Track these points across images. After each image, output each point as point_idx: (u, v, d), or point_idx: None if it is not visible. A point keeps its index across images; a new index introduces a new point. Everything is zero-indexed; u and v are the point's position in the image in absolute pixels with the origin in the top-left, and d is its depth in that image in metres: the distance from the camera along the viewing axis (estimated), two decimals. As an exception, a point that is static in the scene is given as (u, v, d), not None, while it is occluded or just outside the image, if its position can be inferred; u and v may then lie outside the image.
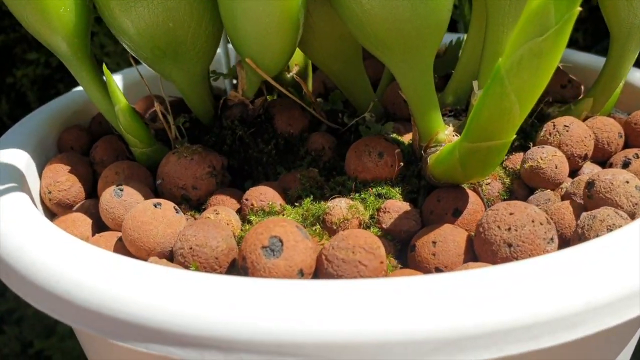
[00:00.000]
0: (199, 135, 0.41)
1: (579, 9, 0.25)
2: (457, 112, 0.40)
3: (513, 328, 0.22)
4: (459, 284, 0.23)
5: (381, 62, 0.34)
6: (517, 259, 0.29)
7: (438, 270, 0.30)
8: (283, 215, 0.34)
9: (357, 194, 0.35)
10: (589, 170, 0.38)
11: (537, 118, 0.41)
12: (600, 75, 0.40)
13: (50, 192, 0.39)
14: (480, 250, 0.30)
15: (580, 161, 0.37)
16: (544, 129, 0.38)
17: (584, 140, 0.37)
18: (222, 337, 0.23)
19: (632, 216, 0.31)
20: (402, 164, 0.36)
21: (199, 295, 0.23)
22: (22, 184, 0.36)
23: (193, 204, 0.37)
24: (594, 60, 0.51)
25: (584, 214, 0.31)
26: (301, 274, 0.29)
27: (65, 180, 0.39)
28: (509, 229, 0.29)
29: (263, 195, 0.35)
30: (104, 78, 0.37)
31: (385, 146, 0.36)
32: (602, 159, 0.40)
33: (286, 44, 0.33)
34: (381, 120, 0.42)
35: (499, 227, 0.29)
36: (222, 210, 0.34)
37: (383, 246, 0.30)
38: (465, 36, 0.41)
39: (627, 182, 0.32)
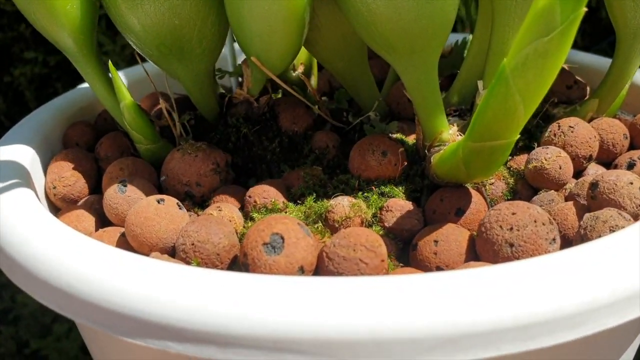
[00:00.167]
0: (204, 133, 0.41)
1: (585, 9, 0.25)
2: (462, 111, 0.40)
3: (511, 327, 0.22)
4: (457, 283, 0.23)
5: (386, 61, 0.34)
6: (518, 259, 0.29)
7: (439, 269, 0.30)
8: (286, 212, 0.34)
9: (361, 193, 0.36)
10: (594, 171, 0.38)
11: (543, 119, 0.41)
12: (606, 76, 0.40)
13: (55, 188, 0.39)
14: (482, 250, 0.30)
15: (584, 162, 0.37)
16: (549, 130, 0.38)
17: (588, 142, 0.37)
18: (218, 332, 0.23)
19: (636, 217, 0.31)
20: (405, 163, 0.36)
21: (196, 291, 0.24)
22: (27, 180, 0.36)
23: (197, 201, 0.37)
24: (600, 61, 0.51)
25: (587, 214, 0.31)
26: (302, 271, 0.29)
27: (70, 176, 0.40)
28: (511, 228, 0.29)
29: (266, 192, 0.35)
30: (110, 75, 0.37)
31: (389, 145, 0.36)
32: (607, 160, 0.39)
33: (292, 43, 0.33)
34: (386, 120, 0.42)
35: (501, 226, 0.29)
36: (225, 207, 0.34)
37: (384, 244, 0.30)
38: (470, 36, 0.41)
39: (631, 183, 0.32)
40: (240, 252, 0.30)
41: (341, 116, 0.44)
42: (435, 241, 0.31)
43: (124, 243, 0.34)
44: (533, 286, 0.23)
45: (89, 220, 0.36)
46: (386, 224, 0.34)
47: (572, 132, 0.37)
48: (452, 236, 0.31)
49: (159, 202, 0.33)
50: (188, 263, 0.31)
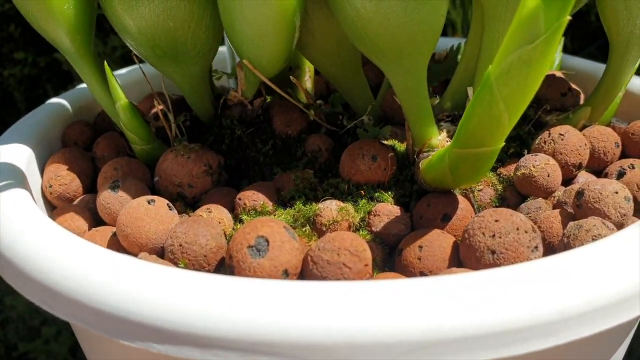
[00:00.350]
0: (200, 134, 0.42)
1: (569, 17, 0.25)
2: (455, 117, 0.40)
3: (483, 335, 0.22)
4: (432, 290, 0.23)
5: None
6: (500, 265, 0.29)
7: (422, 274, 0.31)
8: (275, 215, 0.35)
9: (350, 197, 0.36)
10: (584, 179, 0.38)
11: (536, 126, 0.41)
12: (598, 84, 0.40)
13: (51, 186, 0.40)
14: (465, 256, 0.30)
15: (574, 170, 0.37)
16: (540, 137, 0.38)
17: (578, 150, 0.37)
18: (198, 334, 0.23)
19: (620, 227, 0.31)
20: (395, 167, 0.36)
21: (177, 292, 0.24)
22: (22, 178, 0.36)
23: (189, 202, 0.38)
24: (596, 67, 0.51)
25: (571, 223, 0.31)
26: (286, 274, 0.29)
27: (66, 175, 0.40)
28: (493, 235, 0.29)
29: (256, 195, 0.35)
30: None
31: (379, 150, 0.36)
32: (599, 168, 0.39)
33: (282, 47, 0.34)
34: (380, 124, 0.42)
35: (483, 233, 0.29)
36: (215, 209, 0.34)
37: (369, 249, 0.31)
38: (464, 41, 0.42)
39: (617, 192, 0.32)
40: (226, 254, 0.30)
41: (337, 120, 0.44)
42: (420, 247, 0.31)
43: (115, 242, 0.34)
44: (507, 294, 0.23)
45: (83, 219, 0.37)
46: (374, 229, 0.34)
47: (562, 139, 0.37)
48: (437, 242, 0.31)
49: (149, 202, 0.33)
50: (176, 264, 0.31)
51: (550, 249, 0.32)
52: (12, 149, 0.39)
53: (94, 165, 0.42)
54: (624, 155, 0.41)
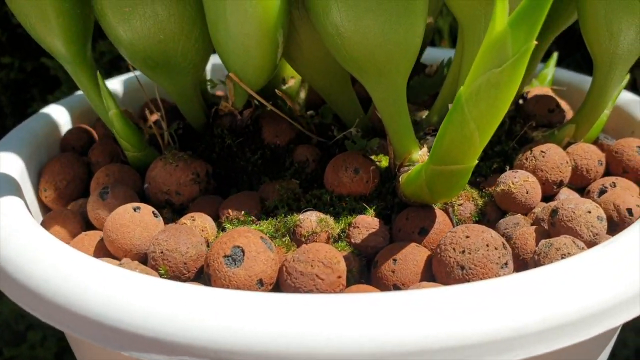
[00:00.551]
0: (192, 142, 0.43)
1: (535, 42, 0.26)
2: (441, 132, 0.41)
3: (439, 349, 0.23)
4: (393, 303, 0.24)
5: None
6: (469, 281, 0.30)
7: (396, 287, 0.31)
8: (257, 225, 0.35)
9: (332, 208, 0.37)
10: (565, 196, 0.38)
11: (521, 142, 0.42)
12: (583, 102, 0.40)
13: (46, 190, 0.41)
14: (437, 271, 0.31)
15: (555, 187, 0.38)
16: (521, 154, 0.38)
17: (559, 167, 0.37)
18: (166, 340, 0.24)
19: (591, 246, 0.32)
20: (377, 180, 0.37)
21: (147, 299, 0.25)
22: (15, 184, 0.38)
23: (176, 209, 0.39)
24: (586, 82, 0.51)
25: (543, 241, 0.31)
26: (261, 284, 0.30)
27: (61, 179, 0.41)
28: (463, 251, 0.30)
29: (240, 204, 0.36)
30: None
31: (362, 163, 0.37)
32: (582, 185, 0.40)
33: (266, 61, 0.35)
34: (368, 136, 0.43)
35: (454, 249, 0.30)
36: (199, 217, 0.35)
37: (344, 261, 0.32)
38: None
39: (589, 212, 0.32)
40: (204, 263, 0.31)
41: (328, 131, 0.45)
42: (394, 260, 0.32)
43: (103, 247, 0.35)
44: (464, 310, 0.24)
45: (74, 223, 0.38)
46: (352, 240, 0.35)
47: (543, 156, 0.37)
48: (411, 255, 0.32)
49: (135, 209, 0.34)
50: (157, 270, 0.32)
51: (524, 265, 0.33)
52: (9, 154, 0.41)
53: (89, 171, 0.44)
54: (608, 172, 0.41)
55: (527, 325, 0.24)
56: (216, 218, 0.37)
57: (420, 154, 0.36)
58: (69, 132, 0.47)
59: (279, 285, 0.31)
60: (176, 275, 0.32)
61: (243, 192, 0.38)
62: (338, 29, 0.32)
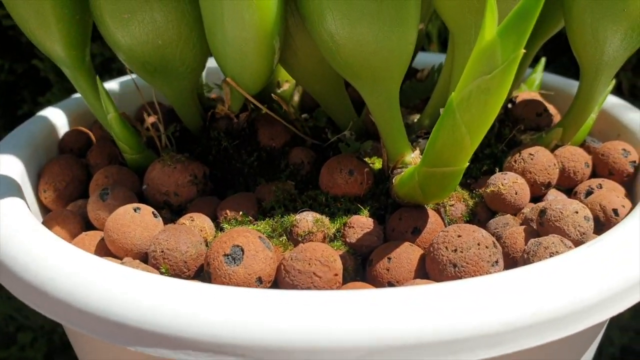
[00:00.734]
0: (189, 144, 0.44)
1: (523, 50, 0.27)
2: (432, 134, 0.42)
3: (433, 342, 0.24)
4: (388, 299, 0.25)
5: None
6: (461, 278, 0.31)
7: (390, 284, 0.32)
8: (254, 225, 0.36)
9: (328, 208, 0.38)
10: (553, 197, 0.40)
11: (510, 145, 0.43)
12: (571, 106, 0.42)
13: (45, 191, 0.42)
14: (430, 269, 0.32)
15: (543, 188, 0.39)
16: (511, 156, 0.40)
17: (547, 169, 0.39)
18: (171, 335, 0.25)
19: (578, 245, 0.33)
20: (371, 182, 0.38)
21: (152, 296, 0.26)
22: (16, 185, 0.38)
23: (174, 210, 0.40)
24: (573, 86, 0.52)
25: (532, 240, 0.33)
26: (259, 282, 0.31)
27: (60, 180, 0.42)
28: (455, 250, 0.31)
29: (237, 205, 0.37)
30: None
31: (356, 164, 0.38)
32: (569, 186, 0.41)
33: (263, 66, 0.36)
34: (362, 139, 0.44)
35: (446, 247, 0.31)
36: (197, 217, 0.36)
37: (340, 260, 0.33)
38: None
39: (577, 212, 0.33)
40: (205, 261, 0.32)
41: (322, 133, 0.46)
42: (389, 258, 0.33)
43: (103, 247, 0.36)
44: (457, 305, 0.25)
45: (74, 223, 0.39)
46: (348, 240, 0.36)
47: (531, 159, 0.39)
48: (404, 254, 0.33)
49: (135, 210, 0.35)
50: (158, 269, 0.33)
51: (513, 263, 0.34)
52: (9, 155, 0.41)
53: (88, 172, 0.44)
54: (594, 174, 0.42)
55: (518, 320, 0.25)
56: (214, 218, 0.38)
57: (413, 157, 0.37)
58: (67, 134, 0.48)
59: (277, 283, 0.32)
60: (177, 273, 0.33)
61: (240, 193, 0.39)
62: (333, 37, 0.33)
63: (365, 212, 0.37)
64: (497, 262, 0.31)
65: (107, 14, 0.37)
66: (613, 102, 0.49)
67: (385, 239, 0.36)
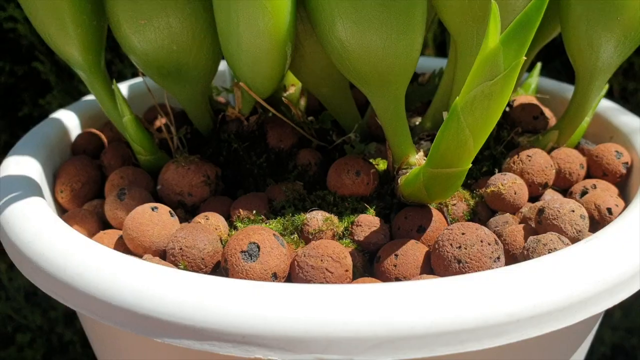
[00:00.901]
0: (199, 146, 0.46)
1: (524, 57, 0.29)
2: (434, 136, 0.44)
3: (443, 332, 0.26)
4: (400, 292, 0.27)
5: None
6: (465, 273, 0.32)
7: (397, 279, 0.34)
8: (266, 224, 0.38)
9: (335, 208, 0.39)
10: (550, 197, 0.42)
11: (509, 146, 0.45)
12: (566, 110, 0.44)
13: (62, 192, 0.43)
14: (435, 265, 0.34)
15: (540, 188, 0.41)
16: (509, 158, 0.41)
17: (544, 170, 0.41)
18: (196, 327, 0.27)
19: (575, 242, 0.35)
20: (376, 182, 0.40)
21: (178, 290, 0.28)
22: (37, 185, 0.40)
23: (188, 209, 0.41)
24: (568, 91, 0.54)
25: (531, 237, 0.34)
26: (275, 277, 0.33)
27: (77, 181, 0.44)
28: (460, 247, 0.33)
29: (249, 204, 0.39)
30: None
31: (363, 166, 0.40)
32: (565, 187, 0.43)
33: (275, 72, 0.37)
34: (366, 141, 0.46)
35: (451, 244, 0.33)
36: (212, 216, 0.38)
37: (350, 256, 0.34)
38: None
39: (573, 211, 0.35)
40: (222, 258, 0.34)
41: (327, 135, 0.48)
42: (396, 255, 0.35)
43: (122, 244, 0.38)
44: (464, 297, 0.27)
45: (92, 222, 0.40)
46: (356, 237, 0.37)
47: (529, 160, 0.41)
48: (411, 251, 0.35)
49: (153, 209, 0.37)
50: (177, 265, 0.35)
51: (513, 259, 0.36)
52: (27, 157, 0.43)
53: (102, 173, 0.46)
54: (589, 175, 0.44)
55: (520, 311, 0.27)
56: (227, 217, 0.39)
57: (417, 158, 0.39)
58: (80, 136, 0.49)
59: (291, 278, 0.34)
60: (194, 270, 0.34)
61: (252, 193, 0.40)
62: (343, 44, 0.35)
63: (372, 211, 0.39)
64: (499, 258, 0.33)
65: (124, 20, 0.39)
66: (606, 106, 0.51)
67: (391, 237, 0.38)
